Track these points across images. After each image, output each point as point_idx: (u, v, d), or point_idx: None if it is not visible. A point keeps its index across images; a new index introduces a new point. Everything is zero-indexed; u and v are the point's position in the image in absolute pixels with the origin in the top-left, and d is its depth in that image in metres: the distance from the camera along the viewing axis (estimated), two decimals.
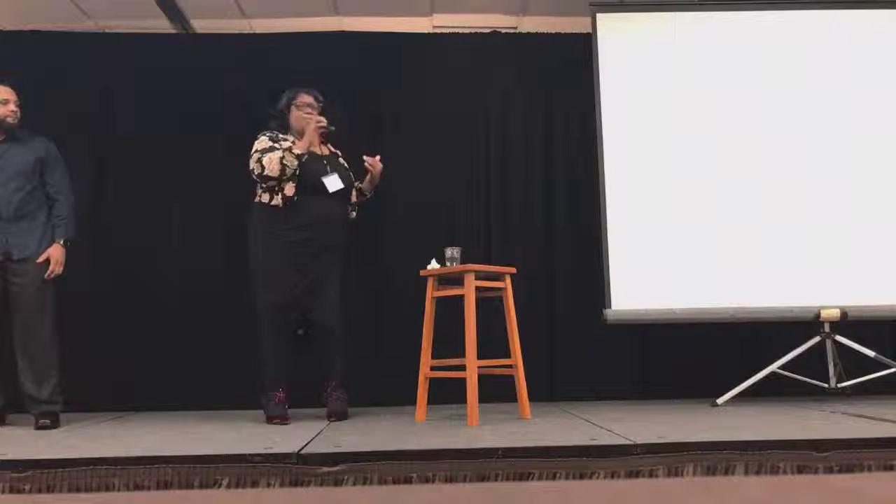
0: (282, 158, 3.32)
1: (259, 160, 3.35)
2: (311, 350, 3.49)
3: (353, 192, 3.61)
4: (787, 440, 2.30)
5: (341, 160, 3.62)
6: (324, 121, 3.46)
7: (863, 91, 4.05)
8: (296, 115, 3.53)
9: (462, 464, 2.19)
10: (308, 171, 3.39)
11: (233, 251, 4.17)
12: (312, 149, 3.48)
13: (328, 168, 3.46)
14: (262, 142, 3.43)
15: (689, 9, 4.15)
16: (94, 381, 3.93)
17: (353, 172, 3.63)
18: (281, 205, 3.37)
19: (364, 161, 3.53)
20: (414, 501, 2.11)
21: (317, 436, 2.70)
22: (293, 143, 3.42)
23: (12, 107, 3.38)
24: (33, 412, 3.27)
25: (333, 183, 3.42)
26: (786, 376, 3.81)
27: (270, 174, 3.32)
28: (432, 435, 2.71)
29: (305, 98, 3.55)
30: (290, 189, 3.36)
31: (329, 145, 3.65)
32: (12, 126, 3.39)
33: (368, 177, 3.59)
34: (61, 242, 3.38)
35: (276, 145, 3.39)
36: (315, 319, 3.42)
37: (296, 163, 3.34)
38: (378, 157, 3.54)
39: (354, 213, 3.64)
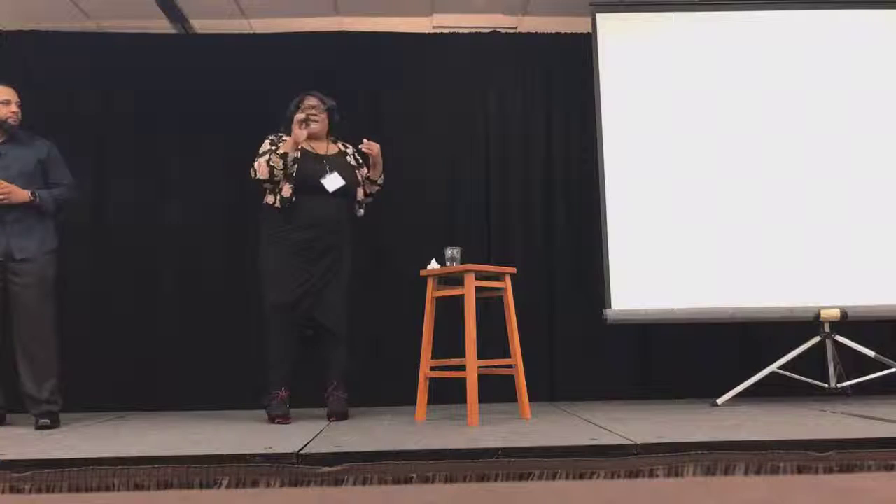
0: (268, 161, 3.35)
1: (253, 164, 3.39)
2: (313, 350, 3.50)
3: (360, 190, 3.58)
4: (787, 440, 2.30)
5: (349, 158, 3.59)
6: (301, 115, 3.43)
7: (863, 91, 4.04)
8: None
9: (462, 464, 2.19)
10: (307, 172, 3.40)
11: (233, 251, 4.18)
12: (313, 148, 3.48)
13: (327, 168, 3.46)
14: (263, 146, 3.46)
15: (689, 9, 4.15)
16: (94, 381, 3.93)
17: (364, 166, 3.62)
18: (279, 206, 3.38)
19: (360, 148, 3.55)
20: (414, 501, 2.11)
21: (317, 436, 2.70)
22: None
23: (14, 107, 3.38)
24: (33, 412, 3.27)
25: (331, 182, 3.41)
26: (786, 376, 3.81)
27: (261, 177, 3.37)
28: (432, 435, 2.71)
29: (310, 100, 3.55)
30: (286, 190, 3.37)
31: (340, 143, 3.64)
32: (14, 127, 3.39)
33: (370, 161, 3.58)
34: (33, 193, 3.32)
35: (274, 148, 3.41)
36: (318, 319, 3.42)
37: (281, 163, 3.34)
38: (370, 141, 3.51)
39: (362, 211, 3.61)
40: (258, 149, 3.45)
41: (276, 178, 3.36)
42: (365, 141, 3.51)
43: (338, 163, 3.52)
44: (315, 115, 3.50)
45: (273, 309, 3.38)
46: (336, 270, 3.45)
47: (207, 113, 4.30)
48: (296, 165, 3.38)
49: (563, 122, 4.45)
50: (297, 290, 3.36)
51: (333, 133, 3.65)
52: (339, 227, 3.47)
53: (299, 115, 3.42)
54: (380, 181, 3.67)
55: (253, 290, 4.03)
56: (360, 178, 3.59)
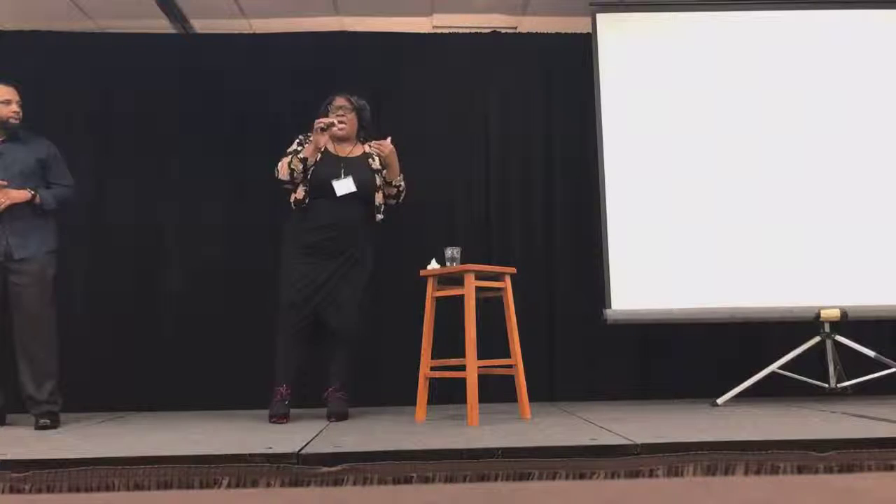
0: (289, 163, 3.39)
1: (278, 163, 3.44)
2: (316, 350, 3.49)
3: (379, 194, 3.55)
4: (787, 440, 2.30)
5: (371, 160, 3.55)
6: (325, 120, 3.44)
7: (863, 91, 4.05)
8: None
9: (462, 464, 2.19)
10: (322, 174, 3.41)
11: (233, 251, 4.18)
12: (335, 150, 3.49)
13: (342, 171, 3.44)
14: (292, 145, 3.50)
15: (689, 9, 4.15)
16: (94, 381, 3.93)
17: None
18: (294, 207, 3.42)
19: (372, 145, 3.55)
20: (414, 501, 2.11)
21: (317, 436, 2.70)
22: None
23: (15, 107, 3.39)
24: (33, 412, 3.27)
25: (342, 186, 3.41)
26: (786, 376, 3.81)
27: (282, 178, 3.42)
28: (432, 435, 2.71)
29: (339, 101, 3.56)
30: (300, 192, 3.41)
31: (367, 146, 3.61)
32: (14, 126, 3.39)
33: (383, 161, 3.55)
34: (33, 191, 3.34)
35: (300, 148, 3.44)
36: (326, 321, 3.40)
37: (300, 167, 3.37)
38: (388, 139, 3.53)
39: (381, 216, 3.57)
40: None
41: (295, 181, 3.39)
42: (377, 142, 3.52)
43: (357, 165, 3.49)
44: (342, 115, 3.51)
45: (282, 307, 3.41)
46: (349, 272, 3.44)
47: (207, 113, 4.30)
48: (313, 168, 3.39)
49: (563, 122, 4.45)
50: (304, 290, 3.36)
51: (362, 134, 3.63)
52: (354, 229, 3.45)
53: (321, 121, 3.41)
54: (396, 183, 3.60)
55: (253, 290, 4.04)
56: (379, 181, 3.56)
